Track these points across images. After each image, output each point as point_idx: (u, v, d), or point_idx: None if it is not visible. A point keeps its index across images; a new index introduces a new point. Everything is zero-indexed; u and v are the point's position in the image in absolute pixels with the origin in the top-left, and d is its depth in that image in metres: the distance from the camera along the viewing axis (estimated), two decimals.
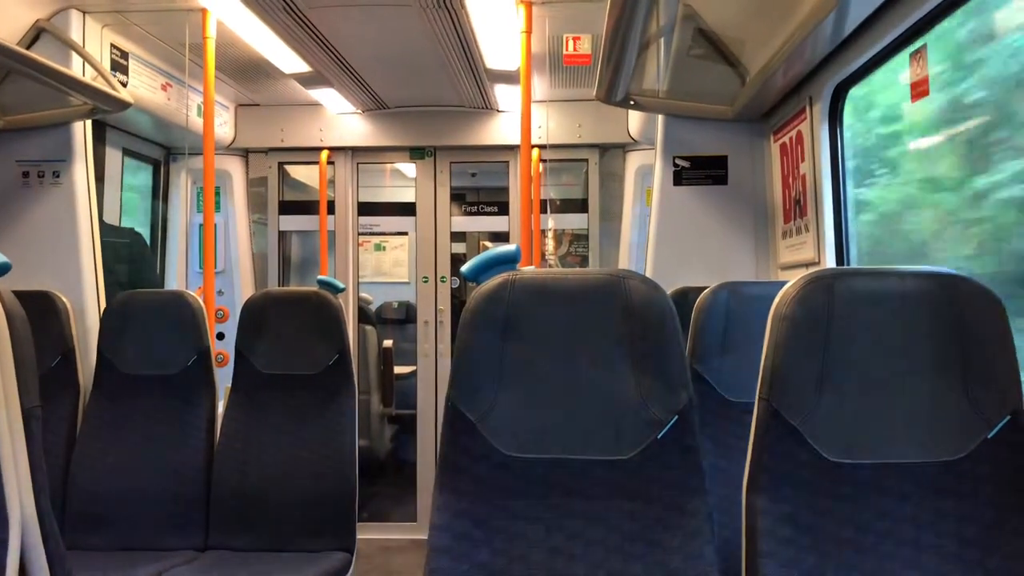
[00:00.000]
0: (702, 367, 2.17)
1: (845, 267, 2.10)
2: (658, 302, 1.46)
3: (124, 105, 3.02)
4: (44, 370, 2.79)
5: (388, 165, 5.52)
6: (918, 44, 1.99)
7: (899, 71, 2.18)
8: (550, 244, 4.87)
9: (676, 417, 1.44)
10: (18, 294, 1.42)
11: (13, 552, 1.28)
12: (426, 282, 4.86)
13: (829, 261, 2.56)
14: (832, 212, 2.57)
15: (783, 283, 1.46)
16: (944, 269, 1.42)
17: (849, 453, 1.37)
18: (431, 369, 4.84)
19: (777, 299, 1.41)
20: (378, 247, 5.70)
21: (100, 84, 2.94)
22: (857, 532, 1.36)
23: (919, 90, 1.96)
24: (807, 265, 2.68)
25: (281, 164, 4.90)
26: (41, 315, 2.78)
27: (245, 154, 4.83)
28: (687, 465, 1.44)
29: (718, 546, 1.42)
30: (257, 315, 2.88)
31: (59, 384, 2.86)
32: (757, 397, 1.41)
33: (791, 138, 2.78)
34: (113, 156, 4.01)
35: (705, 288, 2.24)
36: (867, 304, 1.38)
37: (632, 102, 3.00)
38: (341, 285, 3.14)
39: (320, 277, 3.26)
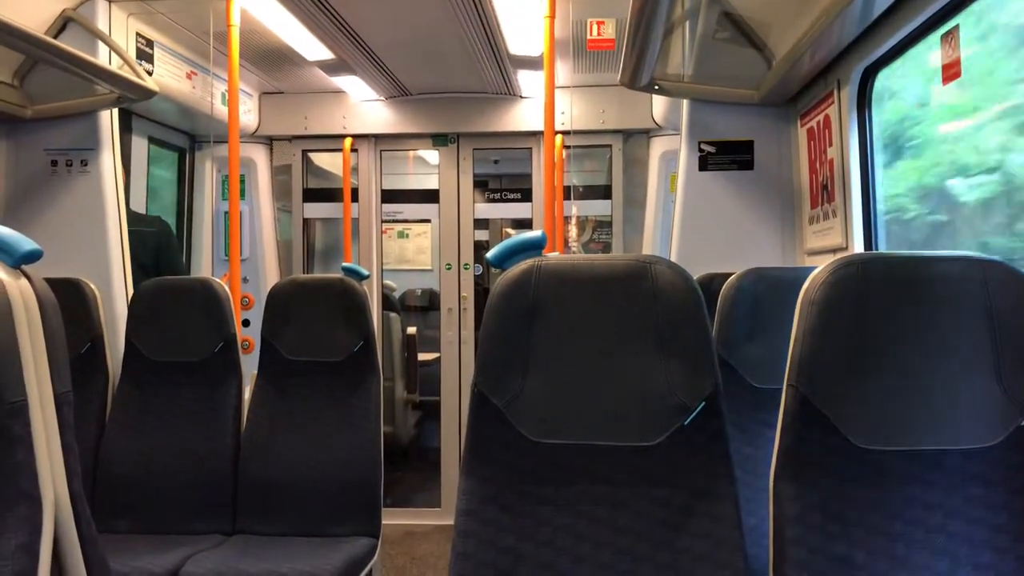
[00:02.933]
0: (728, 353, 2.15)
1: (875, 252, 2.07)
2: (686, 287, 1.45)
3: (150, 93, 3.04)
4: (73, 357, 2.80)
5: (411, 152, 5.52)
6: (950, 25, 1.95)
7: None
8: (573, 231, 4.85)
9: (703, 403, 1.43)
10: (46, 281, 1.43)
11: (47, 534, 1.29)
12: (449, 269, 4.86)
13: (857, 247, 2.53)
14: (860, 197, 2.53)
15: (810, 269, 1.44)
16: (975, 254, 1.39)
17: (879, 440, 1.35)
18: (455, 356, 4.85)
19: (807, 284, 1.40)
20: (401, 234, 5.72)
21: (126, 73, 2.96)
22: (886, 519, 1.35)
23: (951, 72, 1.93)
24: (834, 251, 2.65)
25: (305, 152, 4.92)
26: (69, 302, 2.81)
27: (269, 142, 4.86)
28: (714, 451, 1.43)
29: (745, 532, 1.42)
30: (282, 302, 2.89)
31: (88, 371, 2.89)
32: (785, 383, 1.40)
33: (818, 122, 2.75)
34: (139, 144, 4.04)
35: (731, 274, 2.23)
36: (898, 289, 1.36)
37: (657, 87, 2.98)
38: (365, 272, 3.14)
39: (344, 264, 3.27)
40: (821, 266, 1.40)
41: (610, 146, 4.74)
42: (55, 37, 2.94)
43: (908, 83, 2.44)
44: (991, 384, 1.35)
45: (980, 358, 1.35)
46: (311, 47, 3.67)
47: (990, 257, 1.38)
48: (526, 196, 4.87)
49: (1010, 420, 1.34)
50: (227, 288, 2.90)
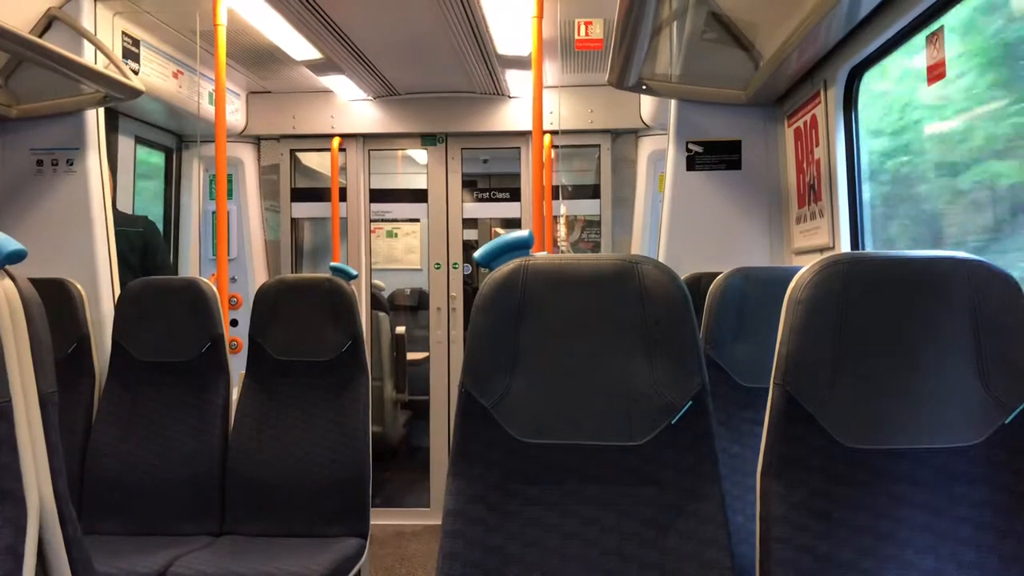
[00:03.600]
0: (716, 353, 2.16)
1: (861, 252, 2.08)
2: (672, 287, 1.46)
3: (136, 93, 3.03)
4: (59, 357, 2.81)
5: (399, 152, 5.52)
6: (935, 26, 1.97)
7: None
8: (562, 230, 4.86)
9: (690, 402, 1.43)
10: (32, 281, 1.43)
11: (31, 536, 1.29)
12: (438, 269, 4.86)
13: (843, 246, 2.54)
14: (847, 197, 2.55)
15: (797, 268, 1.45)
16: (960, 254, 1.40)
17: (864, 439, 1.36)
18: (443, 355, 4.85)
19: (792, 284, 1.41)
20: (390, 234, 5.71)
21: (112, 72, 2.95)
22: (872, 518, 1.35)
23: (936, 73, 1.94)
24: (821, 250, 2.67)
25: (293, 151, 4.90)
26: (55, 302, 2.80)
27: (257, 141, 4.84)
28: (701, 451, 1.44)
29: (731, 531, 1.42)
30: (270, 302, 2.89)
31: (74, 371, 2.88)
32: (772, 382, 1.40)
33: (805, 122, 2.76)
34: (125, 144, 4.02)
35: (718, 274, 2.23)
36: (883, 289, 1.37)
37: (644, 87, 2.98)
38: (354, 272, 3.14)
39: (332, 264, 3.26)
40: (807, 265, 1.41)
41: (599, 146, 4.74)
42: (40, 36, 2.92)
43: None
44: (975, 383, 1.35)
45: (964, 357, 1.36)
46: (298, 46, 3.66)
47: (975, 257, 1.39)
48: (515, 196, 4.87)
49: (993, 419, 1.35)
50: (214, 288, 2.89)
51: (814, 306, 1.37)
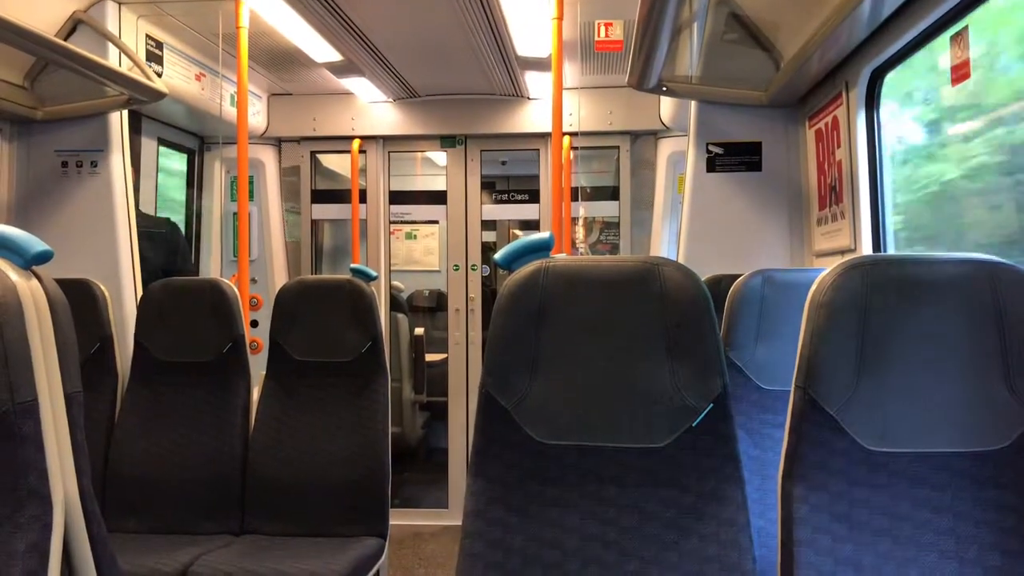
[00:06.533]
0: (736, 355, 2.15)
1: (883, 254, 2.06)
2: (693, 289, 1.45)
3: (159, 95, 3.06)
4: (83, 358, 2.84)
5: (419, 154, 5.53)
6: (959, 26, 1.95)
7: None
8: (580, 232, 4.85)
9: (711, 405, 1.43)
10: (57, 282, 1.44)
11: (57, 533, 1.30)
12: (457, 270, 4.87)
13: (865, 248, 2.53)
14: (869, 199, 2.53)
15: (818, 270, 1.44)
16: (984, 256, 1.39)
17: (887, 442, 1.35)
18: (462, 356, 4.86)
19: (814, 286, 1.40)
20: (409, 235, 5.72)
21: (136, 74, 2.98)
22: (894, 521, 1.34)
23: (960, 73, 1.92)
24: (842, 252, 2.65)
25: (313, 153, 4.93)
26: (79, 303, 2.83)
27: (278, 143, 4.87)
28: (722, 453, 1.43)
29: (752, 534, 1.41)
30: (291, 303, 2.90)
31: (98, 371, 2.91)
32: (793, 385, 1.40)
33: (827, 124, 2.75)
34: (149, 146, 4.06)
35: (738, 276, 2.23)
36: (905, 291, 1.36)
37: (664, 88, 2.98)
38: (373, 273, 3.15)
39: (353, 265, 3.27)
40: (829, 268, 1.40)
41: (618, 147, 4.73)
42: (65, 39, 2.96)
43: None
44: (1000, 387, 1.34)
45: (989, 361, 1.35)
46: (319, 49, 3.68)
47: (999, 259, 1.38)
48: (533, 197, 4.87)
49: (1019, 423, 1.34)
50: (235, 289, 2.91)
51: (836, 309, 1.36)
